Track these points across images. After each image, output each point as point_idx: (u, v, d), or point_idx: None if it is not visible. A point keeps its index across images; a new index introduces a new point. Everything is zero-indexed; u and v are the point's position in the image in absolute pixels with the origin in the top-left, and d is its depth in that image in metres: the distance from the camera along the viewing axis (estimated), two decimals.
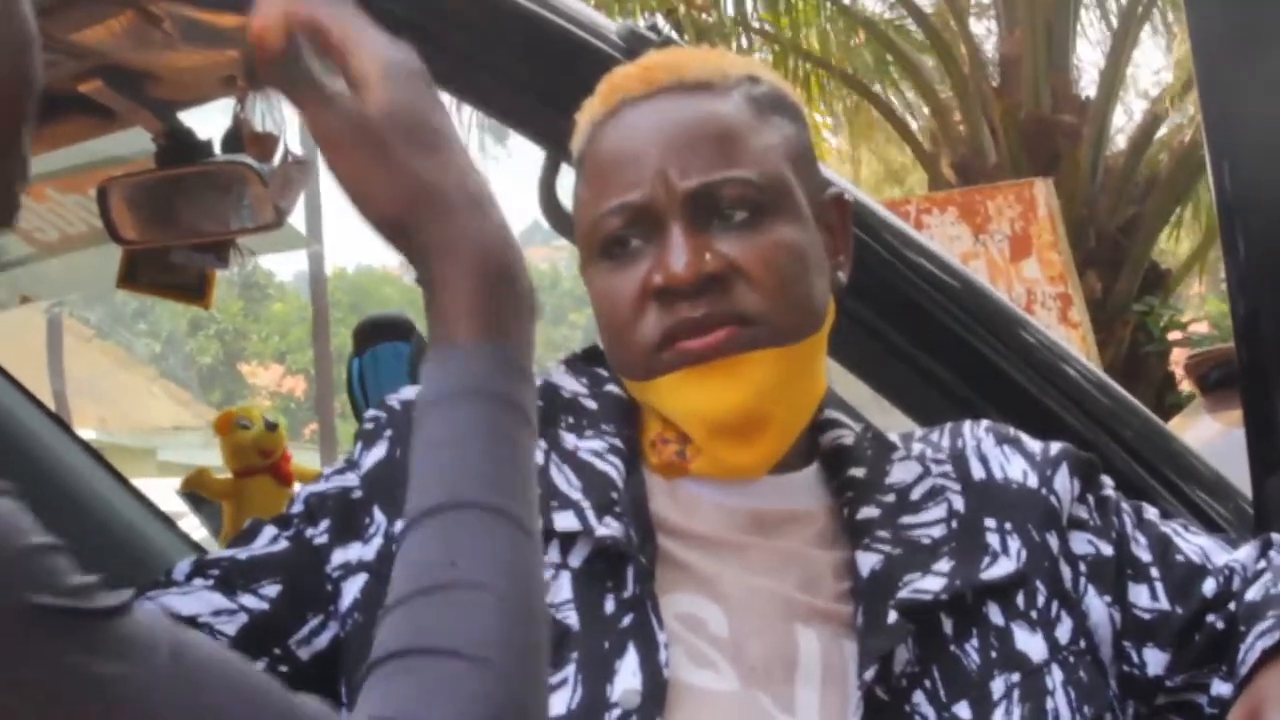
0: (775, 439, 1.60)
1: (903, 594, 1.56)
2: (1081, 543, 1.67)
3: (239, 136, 2.53)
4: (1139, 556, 1.67)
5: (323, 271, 15.03)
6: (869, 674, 1.50)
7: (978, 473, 1.69)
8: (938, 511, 1.65)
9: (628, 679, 1.48)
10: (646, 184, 1.57)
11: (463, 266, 1.15)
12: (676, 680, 1.49)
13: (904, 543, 1.61)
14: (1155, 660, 1.64)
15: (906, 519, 1.63)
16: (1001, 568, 1.61)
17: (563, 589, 1.54)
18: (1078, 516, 1.68)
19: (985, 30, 12.65)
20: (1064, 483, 1.68)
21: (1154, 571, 1.67)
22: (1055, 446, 1.72)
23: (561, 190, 2.12)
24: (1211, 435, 4.20)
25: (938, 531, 1.63)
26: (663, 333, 1.56)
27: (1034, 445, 1.72)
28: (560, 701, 1.48)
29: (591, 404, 1.68)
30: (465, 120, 16.00)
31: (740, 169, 1.58)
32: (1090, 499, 1.70)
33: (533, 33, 1.95)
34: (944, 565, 1.59)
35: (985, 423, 1.76)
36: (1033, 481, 1.68)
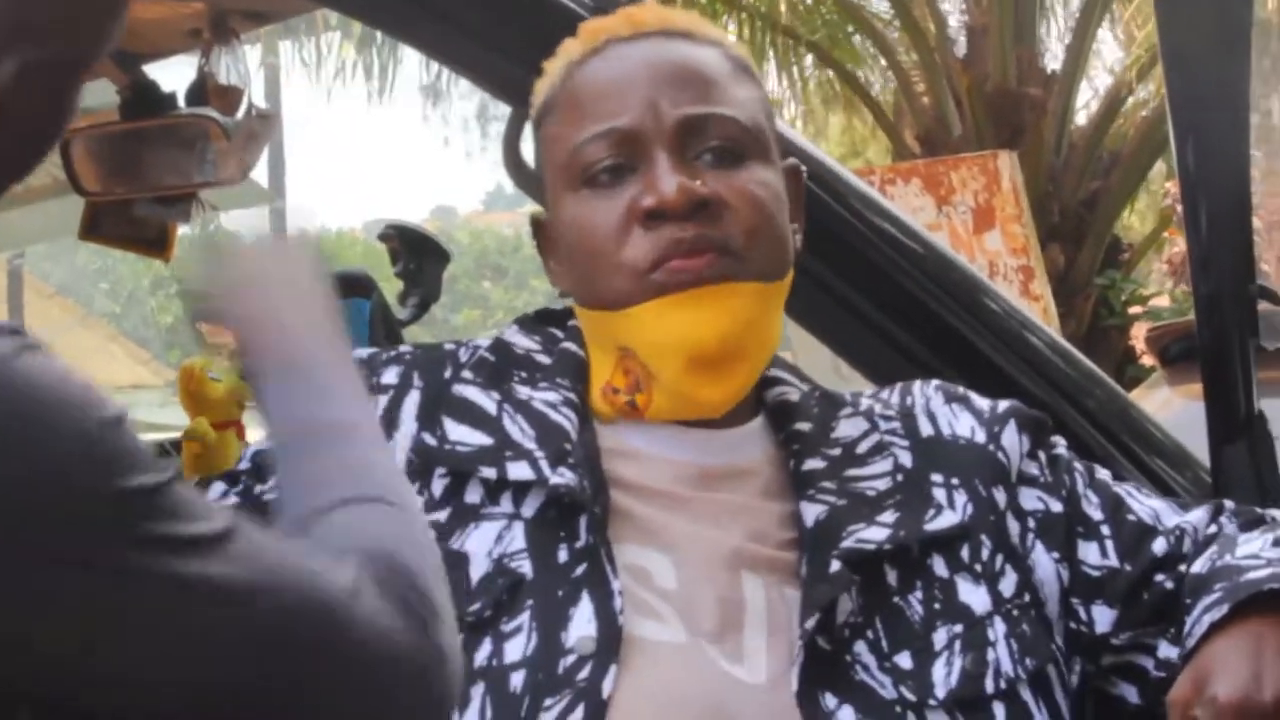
0: (745, 375, 1.62)
1: (846, 544, 1.57)
2: (1031, 499, 1.68)
3: (203, 90, 2.53)
4: (1090, 514, 1.69)
5: (285, 227, 14.94)
6: (810, 623, 1.52)
7: (926, 430, 1.70)
8: (883, 465, 1.66)
9: (583, 626, 1.50)
10: (635, 111, 1.60)
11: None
12: (629, 630, 1.50)
13: (848, 494, 1.62)
14: (1103, 617, 1.65)
15: (851, 471, 1.65)
16: (945, 520, 1.63)
17: (516, 538, 1.55)
18: (1027, 473, 1.69)
19: (951, 3, 12.62)
20: (1012, 439, 1.70)
21: (1105, 529, 1.68)
22: (1003, 404, 1.74)
23: (526, 149, 2.11)
24: (1172, 407, 4.22)
25: (883, 484, 1.64)
26: (656, 254, 1.57)
27: (982, 403, 1.74)
28: (516, 648, 1.50)
29: (545, 359, 1.69)
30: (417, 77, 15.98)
31: (728, 109, 1.61)
32: (1041, 455, 1.71)
33: None
34: (888, 517, 1.61)
35: (935, 381, 1.78)
36: (980, 438, 1.69)
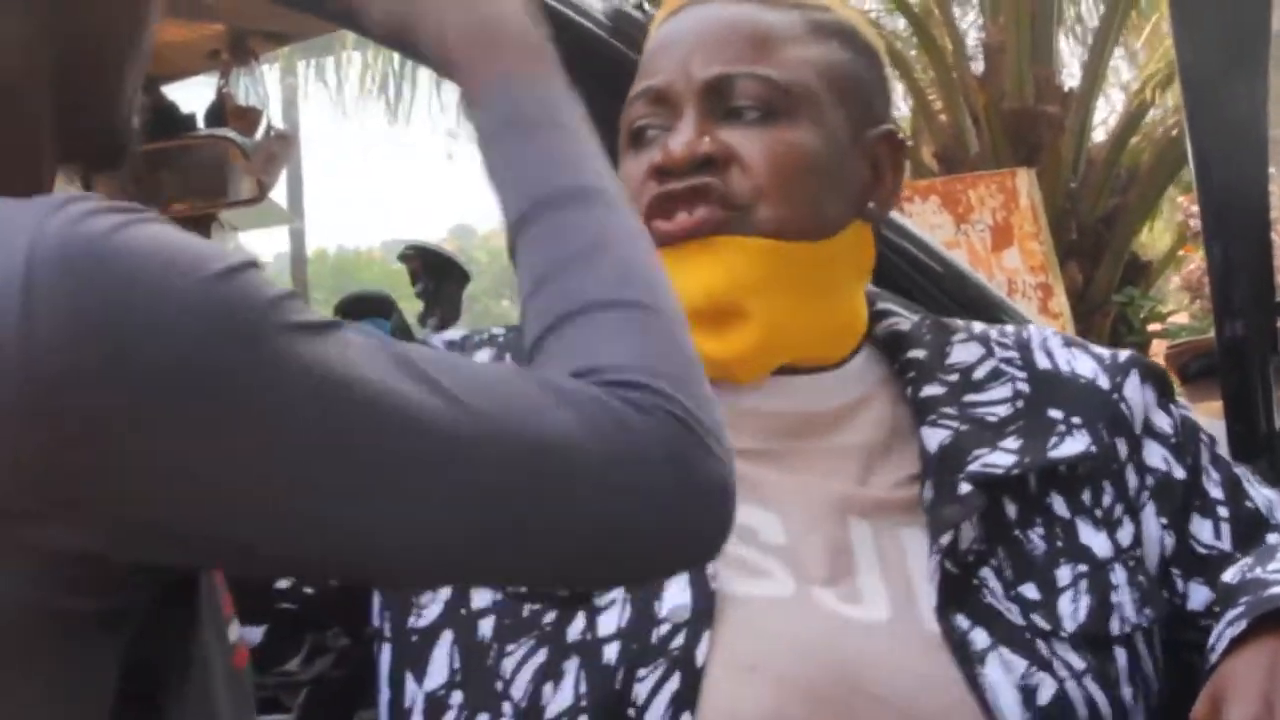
0: (755, 338, 1.58)
1: (973, 467, 1.55)
2: (1156, 456, 1.66)
3: (222, 111, 2.53)
4: (1209, 491, 1.66)
5: (303, 247, 14.98)
6: (945, 538, 1.51)
7: (1043, 363, 1.68)
8: (1003, 391, 1.64)
9: (676, 595, 1.48)
10: (670, 71, 1.61)
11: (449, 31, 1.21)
12: (726, 593, 1.48)
13: (970, 419, 1.61)
14: (1198, 596, 1.63)
15: (971, 397, 1.63)
16: (1070, 447, 1.60)
17: None
18: (1158, 426, 1.67)
19: (969, 21, 12.62)
20: (1135, 389, 1.67)
21: (1223, 511, 1.65)
22: (1124, 354, 1.71)
23: None
24: None
25: (1004, 410, 1.63)
26: (647, 206, 1.58)
27: (1101, 350, 1.71)
28: (610, 620, 1.48)
29: None
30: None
31: (763, 68, 1.60)
32: (1173, 412, 1.69)
33: None
34: (1012, 443, 1.59)
35: (1051, 327, 1.76)
36: (1103, 383, 1.67)
